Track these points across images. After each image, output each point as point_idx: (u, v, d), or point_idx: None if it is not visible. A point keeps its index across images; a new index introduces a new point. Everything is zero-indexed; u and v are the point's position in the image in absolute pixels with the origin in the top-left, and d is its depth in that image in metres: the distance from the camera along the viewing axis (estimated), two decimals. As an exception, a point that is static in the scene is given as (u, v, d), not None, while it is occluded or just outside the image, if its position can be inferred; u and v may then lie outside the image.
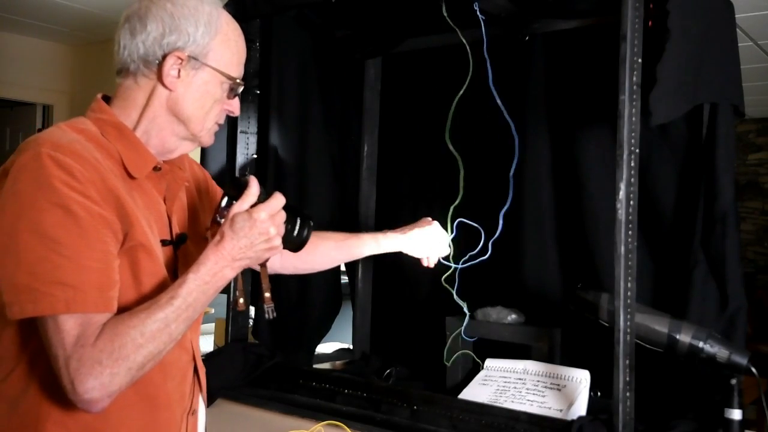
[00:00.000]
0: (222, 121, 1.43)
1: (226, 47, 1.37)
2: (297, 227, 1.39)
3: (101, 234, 1.19)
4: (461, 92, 2.09)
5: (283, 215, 1.34)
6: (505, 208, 2.07)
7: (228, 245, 1.27)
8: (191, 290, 1.23)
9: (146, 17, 1.31)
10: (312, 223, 1.42)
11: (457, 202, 2.06)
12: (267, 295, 1.42)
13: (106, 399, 1.14)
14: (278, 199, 1.32)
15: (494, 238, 2.05)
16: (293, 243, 1.41)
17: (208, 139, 1.41)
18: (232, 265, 1.28)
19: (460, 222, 2.01)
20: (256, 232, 1.28)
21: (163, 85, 1.32)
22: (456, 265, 2.07)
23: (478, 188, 2.28)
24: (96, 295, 1.16)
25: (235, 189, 1.33)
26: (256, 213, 1.29)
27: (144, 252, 1.26)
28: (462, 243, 2.06)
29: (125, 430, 1.26)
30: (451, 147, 2.10)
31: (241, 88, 1.42)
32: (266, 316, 1.42)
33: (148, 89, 1.34)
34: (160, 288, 1.26)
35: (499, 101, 2.05)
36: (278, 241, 1.32)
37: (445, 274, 2.09)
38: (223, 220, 1.31)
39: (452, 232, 2.00)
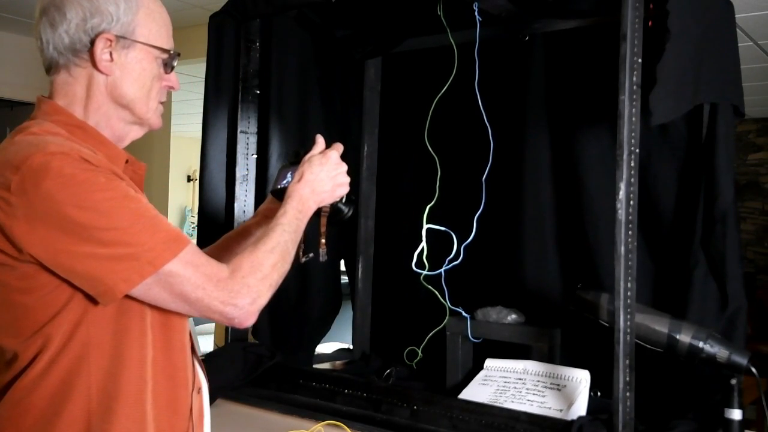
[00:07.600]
0: (164, 99, 1.38)
1: (151, 20, 1.32)
2: (342, 203, 1.55)
3: (136, 194, 1.22)
4: (442, 92, 2.11)
5: (344, 165, 1.52)
6: (479, 212, 2.12)
7: (309, 179, 1.47)
8: (291, 219, 1.40)
9: (63, 5, 1.26)
10: (354, 198, 1.59)
11: (432, 202, 2.07)
12: (323, 240, 1.61)
13: (256, 313, 1.27)
14: (339, 147, 1.54)
15: (467, 242, 2.11)
16: (338, 216, 1.58)
17: (156, 121, 1.37)
18: (314, 198, 1.47)
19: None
20: (332, 165, 1.50)
21: (99, 71, 1.28)
22: (427, 272, 2.11)
23: (476, 189, 2.28)
24: (180, 231, 1.23)
25: (297, 156, 1.55)
26: (329, 152, 1.51)
27: None
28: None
29: (156, 408, 1.27)
30: (429, 148, 2.11)
31: (176, 61, 1.37)
32: (320, 258, 1.60)
33: (84, 80, 1.29)
34: None
35: (480, 104, 2.07)
36: (348, 179, 1.52)
37: (422, 274, 2.11)
38: (285, 182, 1.52)
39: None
